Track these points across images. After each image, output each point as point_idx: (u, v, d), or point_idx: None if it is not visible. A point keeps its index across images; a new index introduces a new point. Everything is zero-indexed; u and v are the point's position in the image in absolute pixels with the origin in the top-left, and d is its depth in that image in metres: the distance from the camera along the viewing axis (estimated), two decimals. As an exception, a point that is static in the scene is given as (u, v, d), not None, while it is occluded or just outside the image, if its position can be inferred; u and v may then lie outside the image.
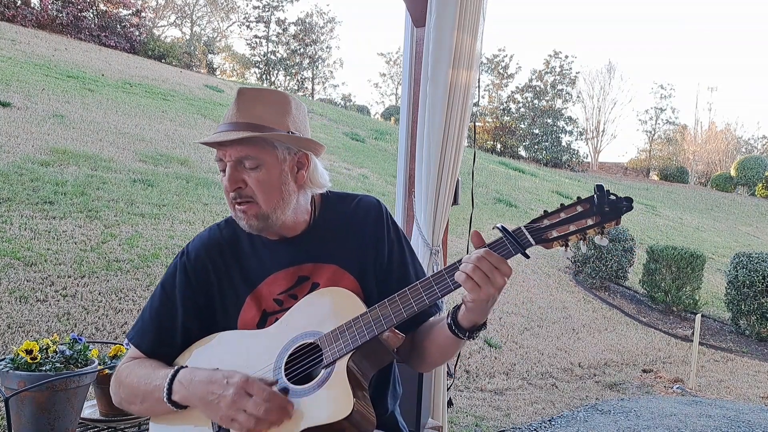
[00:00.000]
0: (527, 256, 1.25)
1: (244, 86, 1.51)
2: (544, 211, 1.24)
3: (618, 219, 1.19)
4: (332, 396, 1.29)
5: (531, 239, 1.23)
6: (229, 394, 1.28)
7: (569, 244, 1.23)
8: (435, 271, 1.33)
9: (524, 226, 1.24)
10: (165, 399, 1.36)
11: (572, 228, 1.21)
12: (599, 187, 1.20)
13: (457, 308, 1.35)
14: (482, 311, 1.30)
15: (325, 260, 1.49)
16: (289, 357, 1.37)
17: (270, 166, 1.40)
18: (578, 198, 1.23)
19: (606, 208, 1.19)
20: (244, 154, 1.38)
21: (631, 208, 1.19)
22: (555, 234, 1.22)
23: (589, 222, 1.20)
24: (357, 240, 1.51)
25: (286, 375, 1.35)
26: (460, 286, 1.27)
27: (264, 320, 1.46)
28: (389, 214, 1.58)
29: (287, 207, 1.43)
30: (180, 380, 1.36)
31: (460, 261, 1.29)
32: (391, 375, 1.57)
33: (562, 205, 1.24)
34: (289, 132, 1.41)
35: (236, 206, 1.42)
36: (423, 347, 1.47)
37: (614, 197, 1.19)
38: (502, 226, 1.25)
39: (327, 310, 1.39)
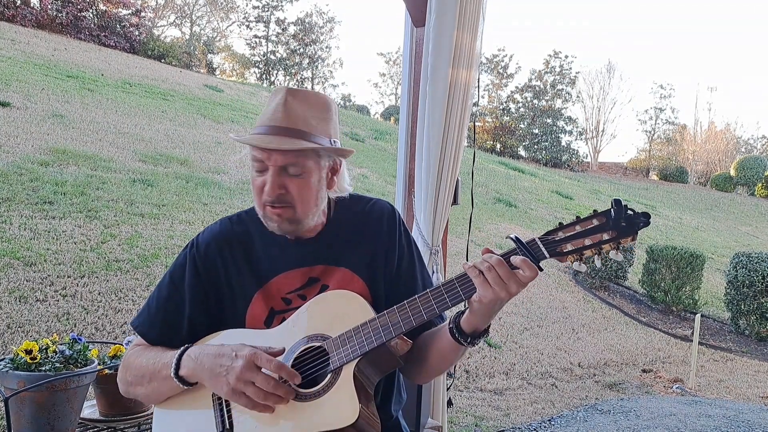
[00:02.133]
0: (541, 269, 1.22)
1: (290, 86, 1.48)
2: (560, 223, 1.22)
3: (634, 235, 1.17)
4: (338, 402, 1.29)
5: (545, 252, 1.21)
6: (238, 365, 1.27)
7: (584, 258, 1.21)
8: (445, 280, 1.31)
9: (538, 238, 1.22)
10: (172, 374, 1.35)
11: (588, 242, 1.19)
12: (617, 202, 1.18)
13: (460, 313, 1.34)
14: (486, 314, 1.28)
15: (336, 263, 1.48)
16: (295, 359, 1.36)
17: (311, 173, 1.39)
18: (594, 211, 1.21)
19: (623, 223, 1.17)
20: (292, 161, 1.37)
21: (648, 224, 1.17)
22: (570, 247, 1.20)
23: (605, 237, 1.18)
24: (369, 244, 1.51)
25: None
26: (470, 296, 1.25)
27: (271, 318, 1.46)
28: (402, 221, 1.57)
29: (318, 212, 1.45)
30: (189, 354, 1.36)
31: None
32: (396, 381, 1.56)
33: (577, 217, 1.22)
34: (331, 140, 1.41)
35: (269, 209, 1.40)
36: (422, 355, 1.45)
37: (632, 212, 1.17)
38: (516, 237, 1.23)
39: (335, 313, 1.38)
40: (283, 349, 1.34)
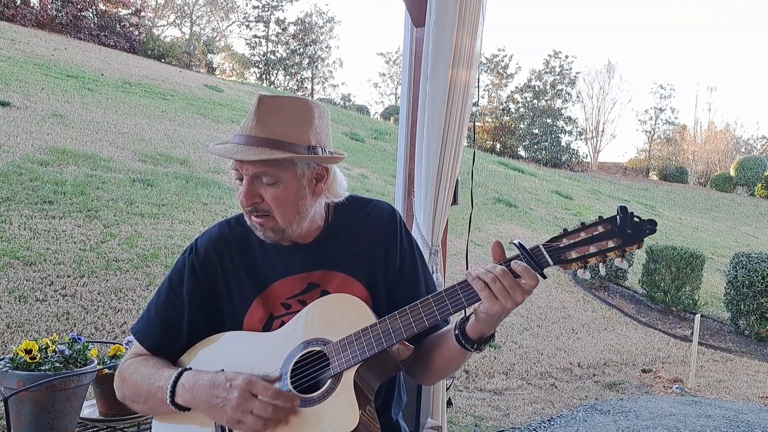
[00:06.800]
0: (544, 277, 1.20)
1: (264, 93, 1.43)
2: (564, 230, 1.20)
3: (640, 243, 1.15)
4: (338, 408, 1.28)
5: (549, 259, 1.19)
6: (233, 396, 1.27)
7: (588, 265, 1.19)
8: (447, 286, 1.30)
9: (543, 245, 1.20)
10: (168, 401, 1.34)
11: (592, 249, 1.17)
12: (623, 209, 1.16)
13: (465, 319, 1.32)
14: (492, 323, 1.28)
15: (336, 268, 1.47)
16: (295, 364, 1.35)
17: (288, 182, 1.37)
18: (600, 217, 1.19)
19: (628, 230, 1.15)
20: (262, 170, 1.34)
21: (654, 231, 1.15)
22: (574, 255, 1.18)
23: (610, 244, 1.16)
24: (368, 248, 1.49)
25: (291, 382, 1.34)
26: (473, 302, 1.24)
27: (270, 323, 1.45)
28: (403, 222, 1.56)
29: (303, 220, 1.42)
30: (183, 383, 1.35)
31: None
32: (396, 384, 1.55)
33: (582, 223, 1.20)
34: (310, 146, 1.36)
35: (253, 218, 1.40)
36: (428, 360, 1.44)
37: (638, 220, 1.15)
38: (520, 243, 1.21)
39: (336, 317, 1.37)
40: (280, 376, 1.33)
